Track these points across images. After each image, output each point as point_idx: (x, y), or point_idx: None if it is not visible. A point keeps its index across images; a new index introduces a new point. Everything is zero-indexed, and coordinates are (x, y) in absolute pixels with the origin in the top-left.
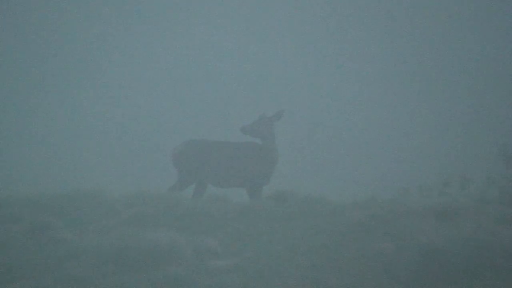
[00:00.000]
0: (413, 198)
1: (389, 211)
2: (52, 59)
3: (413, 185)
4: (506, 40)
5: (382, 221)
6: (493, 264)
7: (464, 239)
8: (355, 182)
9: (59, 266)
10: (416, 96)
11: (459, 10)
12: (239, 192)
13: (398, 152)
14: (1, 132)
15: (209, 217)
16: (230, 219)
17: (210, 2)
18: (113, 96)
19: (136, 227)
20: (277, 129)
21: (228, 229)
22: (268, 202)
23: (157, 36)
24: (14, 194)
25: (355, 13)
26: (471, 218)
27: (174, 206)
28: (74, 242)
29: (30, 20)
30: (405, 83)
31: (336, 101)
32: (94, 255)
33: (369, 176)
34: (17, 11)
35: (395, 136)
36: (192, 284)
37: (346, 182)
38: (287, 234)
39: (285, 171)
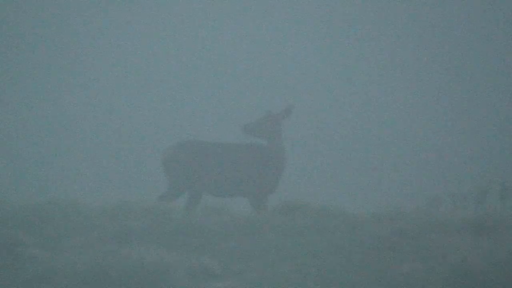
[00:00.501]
0: (445, 209)
1: (417, 225)
2: (42, 56)
3: (444, 194)
4: None
5: (409, 237)
6: None
7: (504, 258)
8: (376, 190)
9: None
10: (443, 93)
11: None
12: (241, 202)
13: (425, 156)
14: None
15: (205, 232)
16: (230, 234)
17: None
18: (102, 95)
19: (119, 243)
20: (285, 128)
21: (227, 246)
22: (275, 214)
23: (155, 33)
24: None
25: (362, 11)
26: None
27: (164, 220)
28: (47, 261)
29: (26, 19)
30: (428, 81)
31: (348, 102)
32: (69, 276)
33: (392, 183)
34: (14, 10)
35: (420, 137)
36: None
37: (366, 191)
38: (296, 252)
39: (294, 178)
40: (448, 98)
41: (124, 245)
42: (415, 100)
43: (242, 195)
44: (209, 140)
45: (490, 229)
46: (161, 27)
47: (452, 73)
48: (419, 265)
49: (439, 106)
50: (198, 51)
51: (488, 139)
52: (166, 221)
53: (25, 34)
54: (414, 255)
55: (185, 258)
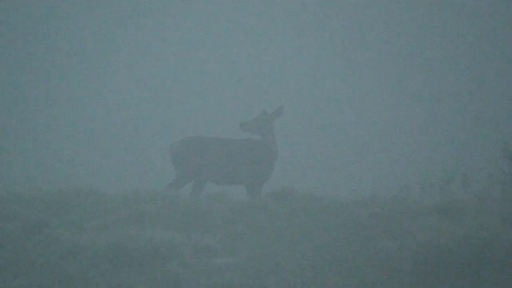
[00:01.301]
0: (415, 195)
1: (390, 209)
2: (50, 58)
3: (414, 182)
4: (506, 37)
5: (384, 219)
6: (495, 264)
7: (466, 237)
8: (357, 179)
9: (55, 264)
10: (417, 93)
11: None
12: (239, 189)
13: (399, 150)
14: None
15: (208, 215)
16: (229, 217)
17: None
18: (111, 95)
19: (133, 225)
20: (277, 125)
21: (227, 227)
22: (268, 200)
23: (154, 35)
24: (9, 192)
25: (356, 10)
26: (473, 216)
27: (172, 205)
28: (71, 240)
29: (32, 18)
30: (405, 80)
31: (337, 99)
32: (91, 254)
33: (370, 173)
34: (19, 11)
35: (396, 133)
36: (191, 283)
37: (348, 180)
38: (287, 232)
39: (286, 168)
40: (419, 98)
41: (137, 227)
42: (391, 100)
43: (240, 183)
44: (211, 136)
45: (453, 213)
46: (168, 34)
47: (427, 71)
48: (392, 243)
49: (412, 106)
50: (202, 57)
51: (452, 134)
52: (174, 206)
53: (56, 39)
54: (388, 234)
55: (190, 238)
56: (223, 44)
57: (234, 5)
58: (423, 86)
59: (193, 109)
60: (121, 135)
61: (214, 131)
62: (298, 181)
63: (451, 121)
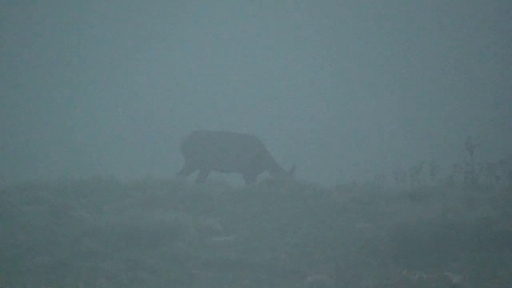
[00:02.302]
0: (389, 183)
1: (368, 195)
2: (70, 56)
3: (388, 171)
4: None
5: (362, 203)
6: (459, 241)
7: (434, 219)
8: (340, 169)
9: (77, 242)
10: (391, 92)
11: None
12: (238, 177)
13: (376, 143)
14: (22, 124)
15: (210, 199)
16: (229, 201)
17: (214, 4)
18: (126, 95)
19: (145, 208)
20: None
21: (226, 210)
22: (262, 186)
23: (163, 38)
24: (36, 179)
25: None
26: (439, 200)
27: (179, 190)
28: (91, 221)
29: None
30: (381, 79)
31: (324, 100)
32: (108, 233)
33: (351, 163)
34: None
35: (373, 128)
36: (195, 257)
37: (333, 169)
38: (278, 214)
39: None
40: (393, 95)
41: (149, 209)
42: (369, 98)
43: (238, 171)
44: (214, 130)
45: (422, 197)
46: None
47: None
48: (369, 224)
49: (388, 102)
50: (211, 59)
51: (423, 130)
52: (180, 191)
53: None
54: (366, 216)
55: (194, 219)
56: (226, 47)
57: (237, 10)
58: (402, 87)
59: (199, 105)
60: (133, 130)
61: (219, 125)
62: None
63: (423, 117)
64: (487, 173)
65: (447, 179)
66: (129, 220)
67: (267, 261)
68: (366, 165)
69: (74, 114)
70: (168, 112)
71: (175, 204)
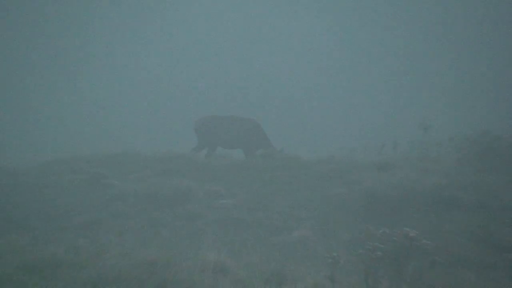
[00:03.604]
0: (360, 156)
1: (343, 165)
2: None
3: (359, 146)
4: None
5: (339, 172)
6: (415, 203)
7: (395, 185)
8: (322, 144)
9: (109, 204)
10: (361, 82)
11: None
12: (239, 152)
13: (351, 123)
14: (60, 109)
15: (216, 170)
16: (231, 171)
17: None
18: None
19: (164, 177)
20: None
21: (229, 178)
22: (258, 159)
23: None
24: (76, 153)
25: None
26: (400, 170)
27: (191, 162)
28: (120, 187)
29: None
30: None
31: (310, 89)
32: (134, 197)
33: (330, 140)
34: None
35: (349, 111)
36: (203, 216)
37: (316, 145)
38: (271, 181)
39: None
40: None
41: (167, 178)
42: (352, 86)
43: (239, 148)
44: (221, 115)
45: (386, 168)
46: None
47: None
48: (344, 189)
49: (362, 91)
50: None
51: (387, 113)
52: (192, 163)
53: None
54: (341, 183)
55: (204, 186)
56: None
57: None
58: (372, 75)
59: (211, 97)
60: (163, 114)
61: (225, 110)
62: (282, 145)
63: (388, 102)
64: (438, 148)
65: (406, 152)
66: (151, 186)
67: (262, 219)
68: (342, 141)
69: (109, 98)
70: (186, 96)
71: (188, 174)
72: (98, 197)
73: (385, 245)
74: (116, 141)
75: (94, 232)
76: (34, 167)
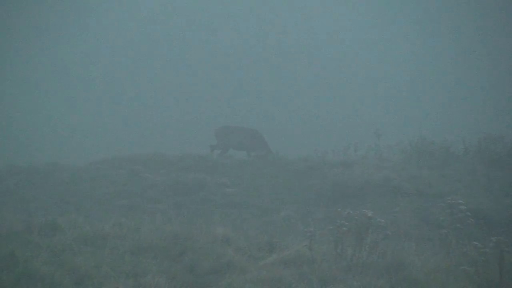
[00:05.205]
0: (330, 156)
1: (317, 163)
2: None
3: (329, 148)
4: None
5: (314, 169)
6: (371, 191)
7: (356, 177)
8: (301, 146)
9: (144, 192)
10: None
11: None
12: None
13: (323, 128)
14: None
15: (224, 166)
16: (235, 167)
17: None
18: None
19: (184, 171)
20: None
21: (233, 173)
22: (255, 158)
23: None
24: (120, 153)
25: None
26: (359, 166)
27: (205, 161)
28: (152, 179)
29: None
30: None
31: (292, 99)
32: (163, 186)
33: (307, 142)
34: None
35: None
36: (214, 200)
37: (296, 147)
38: (263, 175)
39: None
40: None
41: (186, 172)
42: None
43: (245, 150)
44: (233, 125)
45: (349, 165)
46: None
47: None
48: (318, 181)
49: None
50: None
51: (351, 122)
52: (205, 161)
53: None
54: (316, 176)
55: (214, 178)
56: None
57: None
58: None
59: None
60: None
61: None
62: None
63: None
64: (388, 150)
65: (365, 153)
66: (175, 178)
67: (257, 203)
68: (315, 145)
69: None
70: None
71: (202, 169)
72: (135, 186)
73: (349, 223)
74: (150, 141)
75: (132, 213)
76: (86, 164)
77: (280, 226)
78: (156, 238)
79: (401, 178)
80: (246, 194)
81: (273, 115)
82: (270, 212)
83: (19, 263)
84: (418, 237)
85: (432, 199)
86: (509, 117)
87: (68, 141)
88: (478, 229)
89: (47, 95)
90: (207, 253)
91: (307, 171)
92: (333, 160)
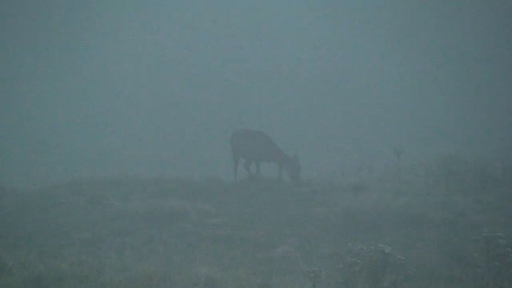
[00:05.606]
0: (338, 178)
1: (323, 187)
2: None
3: (338, 170)
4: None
5: (319, 193)
6: (389, 222)
7: (370, 205)
8: (303, 166)
9: (110, 223)
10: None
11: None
12: (228, 174)
13: (330, 147)
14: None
15: (207, 191)
16: (221, 192)
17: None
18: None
19: (160, 198)
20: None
21: (219, 199)
22: (245, 181)
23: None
24: (80, 177)
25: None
26: (375, 192)
27: (185, 184)
28: (120, 207)
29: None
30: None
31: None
32: (133, 216)
33: (309, 163)
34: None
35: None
36: (196, 233)
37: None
38: (257, 202)
39: None
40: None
41: (162, 199)
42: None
43: (256, 159)
44: (247, 129)
45: (363, 189)
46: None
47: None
48: (323, 209)
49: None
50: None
51: (365, 141)
52: (185, 185)
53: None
54: (321, 203)
55: (196, 205)
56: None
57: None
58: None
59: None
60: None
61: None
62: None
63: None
64: (410, 172)
65: (381, 176)
66: (148, 206)
67: (249, 236)
68: (321, 165)
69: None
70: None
71: (182, 194)
72: (100, 216)
73: (362, 260)
74: (115, 164)
75: (96, 248)
76: (39, 189)
77: (277, 265)
78: (125, 280)
79: (426, 206)
80: (235, 225)
81: (269, 125)
82: (265, 247)
83: None
84: (447, 278)
85: (464, 231)
86: None
87: (14, 160)
88: None
89: None
90: None
91: (311, 196)
92: (343, 183)
